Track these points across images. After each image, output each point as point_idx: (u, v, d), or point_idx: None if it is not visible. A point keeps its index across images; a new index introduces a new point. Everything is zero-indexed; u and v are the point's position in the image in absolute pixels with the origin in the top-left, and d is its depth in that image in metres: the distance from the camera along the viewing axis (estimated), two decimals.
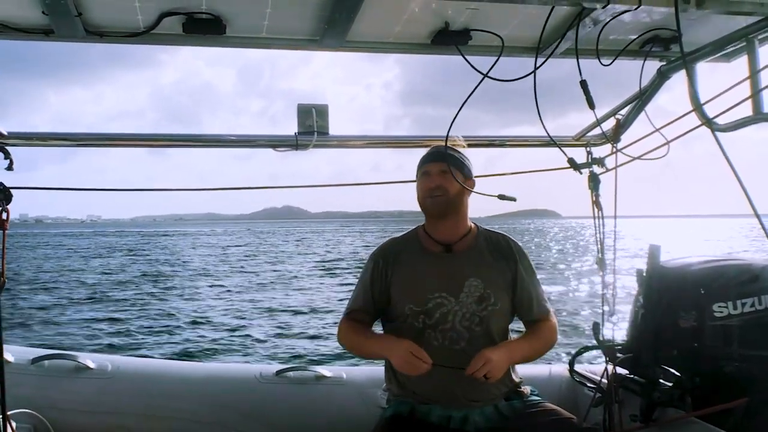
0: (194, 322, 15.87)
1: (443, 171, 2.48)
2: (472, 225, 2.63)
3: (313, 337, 13.66)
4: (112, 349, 12.51)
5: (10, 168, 2.52)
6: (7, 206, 2.34)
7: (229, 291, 23.04)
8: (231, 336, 13.99)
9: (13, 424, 2.30)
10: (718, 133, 2.13)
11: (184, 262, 39.74)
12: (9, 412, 2.29)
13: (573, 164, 2.79)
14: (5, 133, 2.60)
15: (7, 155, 2.52)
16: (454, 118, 2.40)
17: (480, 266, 2.50)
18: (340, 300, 18.99)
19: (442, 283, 2.47)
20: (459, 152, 2.56)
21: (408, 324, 2.46)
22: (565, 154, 2.73)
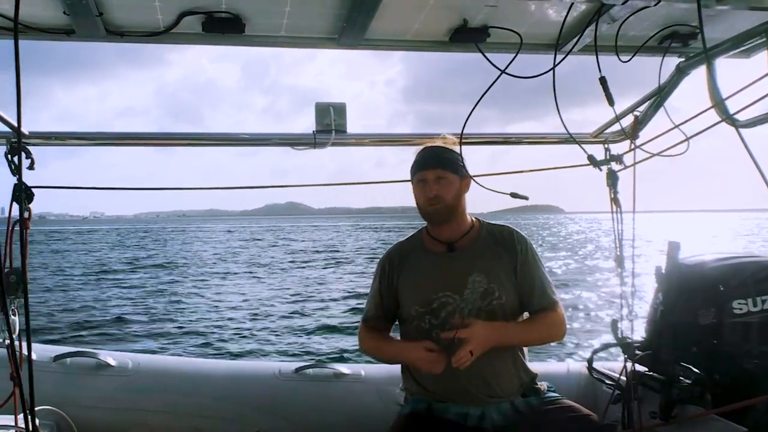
0: (213, 320, 15.95)
1: (439, 177, 2.47)
2: (474, 220, 2.62)
3: (331, 334, 13.71)
4: (132, 346, 12.59)
5: (31, 167, 2.54)
6: (29, 205, 2.35)
7: (244, 287, 23.12)
8: (250, 333, 14.05)
9: (36, 421, 2.33)
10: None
11: (199, 258, 39.92)
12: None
13: (593, 161, 2.78)
14: (26, 133, 2.63)
15: (28, 155, 2.54)
16: (469, 115, 2.41)
17: (482, 261, 2.49)
18: (354, 296, 19.04)
19: (445, 282, 2.47)
20: (453, 152, 2.53)
21: (415, 325, 2.48)
22: (585, 151, 2.72)
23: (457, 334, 2.23)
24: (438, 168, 2.47)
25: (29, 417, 1.76)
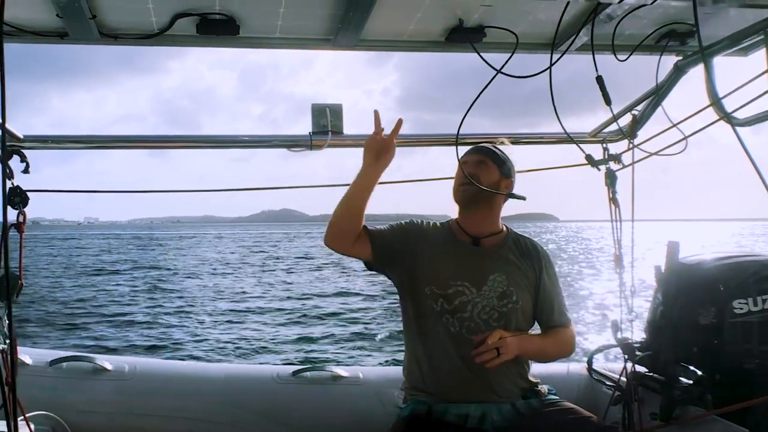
0: (208, 324, 15.95)
1: (480, 162, 2.50)
2: (504, 227, 2.63)
3: (328, 338, 13.70)
4: (128, 350, 12.58)
5: (26, 171, 2.54)
6: (24, 209, 2.34)
7: (243, 292, 23.11)
8: (247, 337, 14.04)
9: (32, 426, 2.31)
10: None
11: (195, 263, 39.90)
12: (27, 415, 2.30)
13: (591, 161, 2.77)
14: (21, 137, 2.61)
15: (23, 158, 2.53)
16: (465, 115, 2.42)
17: (506, 264, 2.50)
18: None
19: (465, 273, 2.45)
20: (502, 151, 2.57)
21: (427, 305, 2.45)
22: (583, 151, 2.72)
23: (490, 342, 2.21)
24: (480, 154, 2.52)
25: (13, 422, 1.74)
